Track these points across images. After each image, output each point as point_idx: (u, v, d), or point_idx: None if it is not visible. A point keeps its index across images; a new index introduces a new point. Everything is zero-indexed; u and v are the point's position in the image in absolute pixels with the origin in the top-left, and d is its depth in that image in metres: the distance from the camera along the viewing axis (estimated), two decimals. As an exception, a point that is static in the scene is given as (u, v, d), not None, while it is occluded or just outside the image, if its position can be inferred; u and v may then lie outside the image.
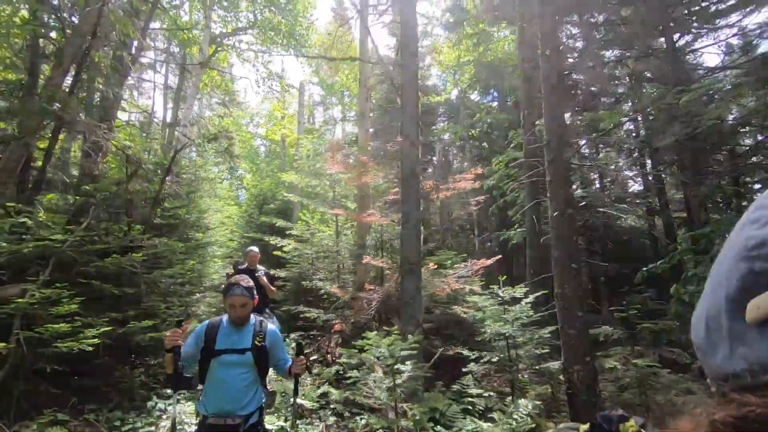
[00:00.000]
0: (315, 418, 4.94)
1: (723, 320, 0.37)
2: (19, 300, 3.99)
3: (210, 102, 18.36)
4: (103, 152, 6.28)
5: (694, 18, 7.65)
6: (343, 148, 10.37)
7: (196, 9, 13.54)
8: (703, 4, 7.27)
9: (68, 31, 6.17)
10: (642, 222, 11.91)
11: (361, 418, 4.62)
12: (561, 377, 5.00)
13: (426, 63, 15.81)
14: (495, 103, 15.25)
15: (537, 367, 5.26)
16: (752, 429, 0.32)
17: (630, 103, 9.84)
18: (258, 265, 5.43)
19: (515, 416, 4.31)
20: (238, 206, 16.04)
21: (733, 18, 7.22)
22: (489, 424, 4.43)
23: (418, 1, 10.47)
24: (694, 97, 5.19)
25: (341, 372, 5.80)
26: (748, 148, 8.11)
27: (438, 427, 4.44)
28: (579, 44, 9.45)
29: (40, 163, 5.99)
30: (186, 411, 4.60)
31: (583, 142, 10.96)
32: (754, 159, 7.82)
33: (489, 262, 7.17)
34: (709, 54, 12.97)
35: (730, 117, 7.44)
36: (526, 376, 5.71)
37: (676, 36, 8.23)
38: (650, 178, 10.95)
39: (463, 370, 5.58)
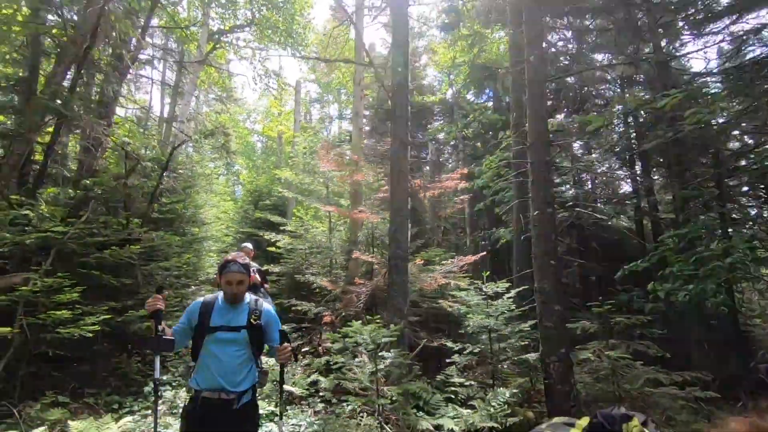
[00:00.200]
0: (305, 405, 5.20)
1: None
2: (23, 288, 4.20)
3: (207, 98, 18.44)
4: (102, 148, 6.47)
5: (683, 25, 7.92)
6: (335, 147, 10.57)
7: (194, 6, 13.67)
8: (690, 11, 7.52)
9: (69, 29, 6.35)
10: (632, 223, 12.16)
11: (347, 404, 4.88)
12: (539, 368, 5.26)
13: (422, 63, 16.02)
14: (489, 104, 15.46)
15: (517, 358, 5.53)
16: None
17: (619, 107, 10.09)
18: (251, 261, 5.66)
19: (493, 403, 4.56)
20: (234, 202, 16.22)
21: (720, 24, 7.48)
22: (469, 410, 4.69)
23: (414, 4, 10.69)
24: (675, 101, 5.41)
25: (330, 363, 6.05)
26: (730, 152, 8.36)
27: (420, 413, 4.70)
28: (571, 46, 9.72)
29: (39, 157, 6.18)
30: (181, 396, 4.84)
31: (577, 144, 11.25)
32: (743, 162, 8.01)
33: (474, 258, 7.42)
34: (696, 60, 13.20)
35: (714, 121, 7.67)
36: (507, 367, 5.98)
37: (663, 42, 8.50)
38: (639, 179, 11.21)
39: (448, 361, 5.83)
